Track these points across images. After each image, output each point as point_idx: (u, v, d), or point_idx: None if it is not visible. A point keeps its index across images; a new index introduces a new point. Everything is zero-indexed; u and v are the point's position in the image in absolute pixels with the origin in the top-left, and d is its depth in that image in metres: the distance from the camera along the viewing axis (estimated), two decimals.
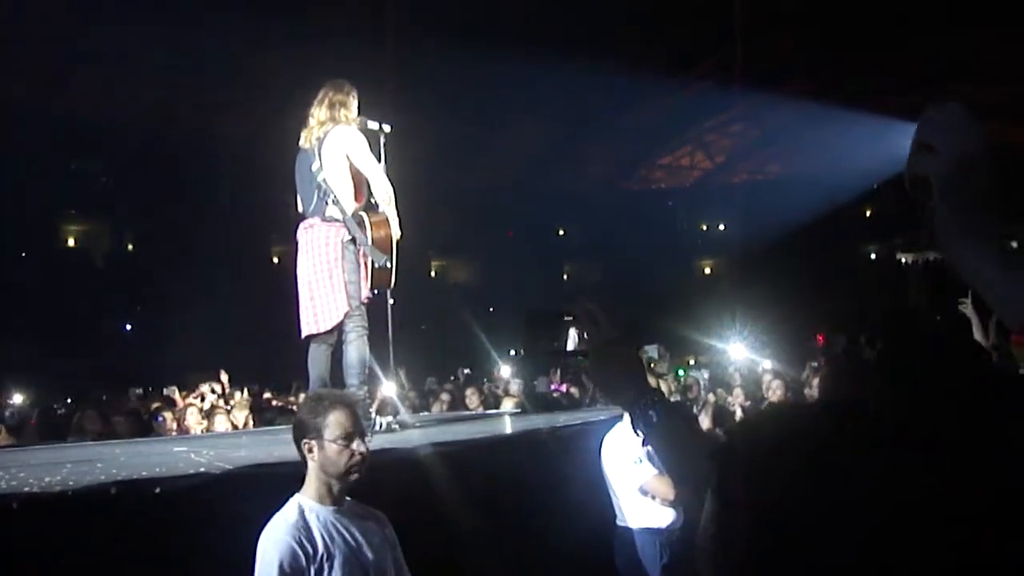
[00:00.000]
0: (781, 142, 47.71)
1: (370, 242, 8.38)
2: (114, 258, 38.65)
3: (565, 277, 49.57)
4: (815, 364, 14.09)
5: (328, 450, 4.49)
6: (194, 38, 25.86)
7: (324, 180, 8.34)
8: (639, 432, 2.37)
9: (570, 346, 2.51)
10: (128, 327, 34.83)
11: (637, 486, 7.88)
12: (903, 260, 48.68)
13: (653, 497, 7.87)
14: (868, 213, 49.53)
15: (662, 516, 7.98)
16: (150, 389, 19.02)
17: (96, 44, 26.21)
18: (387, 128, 8.81)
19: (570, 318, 2.50)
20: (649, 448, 2.41)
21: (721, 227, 52.56)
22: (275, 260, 38.97)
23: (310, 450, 4.48)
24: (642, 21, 31.67)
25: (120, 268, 36.80)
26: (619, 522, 8.22)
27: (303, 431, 4.51)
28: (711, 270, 52.69)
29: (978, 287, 1.99)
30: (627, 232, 42.38)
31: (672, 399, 9.31)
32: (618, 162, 47.70)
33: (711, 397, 13.58)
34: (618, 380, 2.45)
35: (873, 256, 49.60)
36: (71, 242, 39.50)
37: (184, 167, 32.84)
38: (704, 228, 52.90)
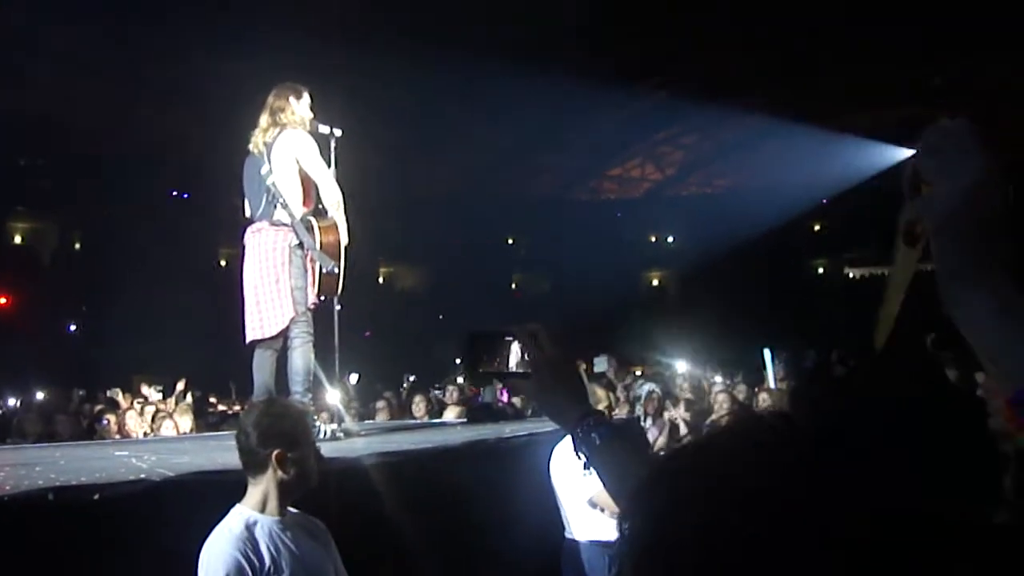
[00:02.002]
0: (731, 156, 47.94)
1: (318, 247, 8.30)
2: (61, 257, 38.38)
3: (514, 286, 49.57)
4: (772, 380, 14.11)
5: (304, 461, 4.42)
6: (145, 37, 25.73)
7: (273, 184, 8.27)
8: (581, 455, 2.33)
9: (511, 366, 2.45)
10: (72, 327, 34.59)
11: (586, 498, 7.80)
12: (851, 275, 49.07)
13: (602, 510, 7.83)
14: (816, 228, 49.83)
15: (611, 529, 7.89)
16: (90, 392, 18.81)
17: (46, 40, 26.03)
18: (337, 133, 8.75)
19: (511, 338, 2.44)
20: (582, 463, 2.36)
21: (670, 239, 52.68)
22: (222, 263, 38.80)
23: (280, 460, 4.36)
24: (596, 31, 31.72)
25: (67, 267, 36.54)
26: (567, 534, 8.16)
27: (268, 439, 4.39)
28: (659, 282, 52.81)
29: (971, 337, 1.86)
30: (576, 243, 42.36)
31: (623, 413, 9.28)
32: (568, 172, 47.78)
33: (667, 415, 13.54)
34: (560, 402, 2.41)
35: (821, 271, 49.94)
36: (18, 239, 39.17)
37: (134, 167, 32.64)
38: (652, 240, 52.98)
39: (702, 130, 44.76)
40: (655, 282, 52.93)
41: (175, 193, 37.29)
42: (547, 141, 41.38)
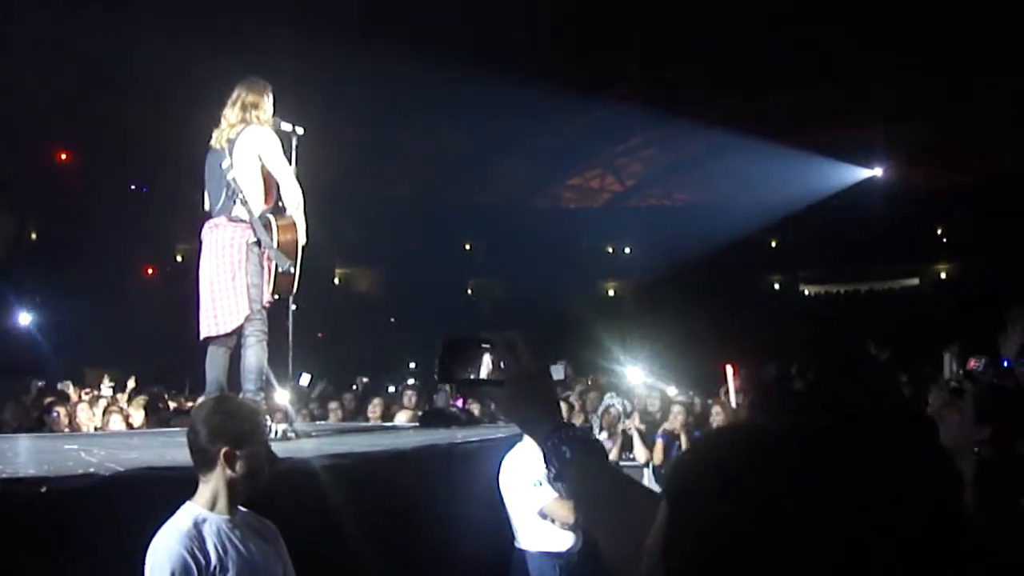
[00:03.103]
0: (691, 170, 48.12)
1: (275, 245, 8.24)
2: (16, 247, 38.08)
3: (469, 292, 49.53)
4: (730, 394, 14.09)
5: (254, 459, 4.37)
6: (107, 26, 25.57)
7: (233, 179, 8.20)
8: (552, 467, 2.31)
9: (483, 374, 2.42)
10: (25, 319, 34.33)
11: (536, 509, 7.79)
12: (806, 292, 49.33)
13: (553, 520, 7.80)
14: (773, 244, 50.05)
15: (561, 539, 7.91)
16: (43, 383, 18.65)
17: (5, 28, 25.85)
18: (300, 131, 8.69)
19: (487, 346, 2.41)
20: (551, 475, 2.35)
21: (627, 250, 52.76)
22: (179, 258, 38.63)
23: (228, 458, 4.31)
24: (561, 40, 31.78)
25: (22, 257, 36.25)
26: (517, 544, 8.14)
27: (219, 437, 4.33)
28: (615, 292, 52.86)
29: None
30: (533, 250, 42.38)
31: (577, 422, 9.27)
32: (528, 179, 47.83)
33: (629, 423, 13.51)
34: (532, 413, 2.39)
35: (777, 287, 50.15)
36: None
37: (91, 159, 32.47)
38: (610, 250, 53.05)
39: (662, 143, 44.94)
40: (611, 292, 52.98)
41: (134, 186, 37.08)
42: (508, 147, 41.41)
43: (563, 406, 8.24)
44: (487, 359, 2.40)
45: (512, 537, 8.13)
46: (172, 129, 22.62)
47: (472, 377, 2.45)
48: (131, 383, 16.10)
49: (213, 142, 8.48)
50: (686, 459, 1.54)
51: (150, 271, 38.25)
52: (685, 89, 35.38)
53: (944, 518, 1.39)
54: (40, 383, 18.54)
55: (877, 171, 45.07)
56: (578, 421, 14.14)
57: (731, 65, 33.96)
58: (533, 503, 7.79)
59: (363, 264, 46.65)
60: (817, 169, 41.77)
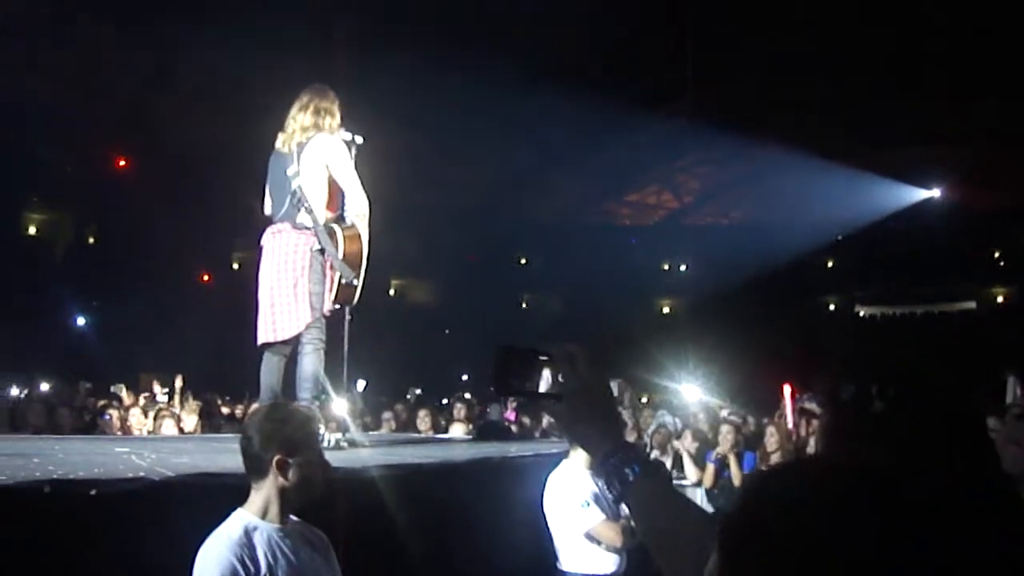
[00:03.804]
0: (748, 187, 47.95)
1: (341, 256, 8.18)
2: (74, 250, 38.35)
3: (524, 306, 49.52)
4: (786, 416, 13.97)
5: (306, 468, 4.32)
6: (169, 32, 25.76)
7: (300, 187, 8.14)
8: (613, 488, 2.24)
9: (542, 388, 2.35)
10: (81, 321, 34.55)
11: (583, 531, 7.61)
12: (862, 313, 49.04)
13: (599, 543, 7.68)
14: (829, 264, 49.81)
15: (605, 562, 7.73)
16: (96, 387, 18.71)
17: (71, 34, 26.07)
18: (359, 140, 8.62)
19: (545, 358, 2.34)
20: (605, 495, 2.28)
21: (682, 267, 52.68)
22: (235, 265, 38.81)
23: (281, 466, 4.26)
24: (621, 56, 31.75)
25: (80, 261, 36.51)
26: (559, 566, 7.93)
27: (271, 445, 4.28)
28: (669, 309, 52.76)
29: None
30: (588, 265, 42.35)
31: (631, 439, 9.19)
32: (584, 195, 47.79)
33: (679, 443, 13.42)
34: (593, 431, 2.32)
35: (832, 307, 49.90)
36: (32, 231, 39.17)
37: (151, 163, 32.68)
38: (665, 267, 52.97)
39: (720, 160, 44.79)
40: (666, 309, 52.89)
41: (194, 193, 37.33)
42: (565, 162, 41.38)
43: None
44: (547, 373, 2.33)
45: (555, 559, 8.00)
46: (231, 136, 22.74)
47: (530, 390, 2.39)
48: (178, 382, 16.06)
49: (280, 145, 8.44)
50: (745, 503, 1.46)
51: (206, 277, 38.43)
52: (743, 106, 35.27)
53: (1007, 552, 1.34)
54: (88, 385, 18.63)
55: (935, 192, 44.77)
56: (632, 438, 14.07)
57: (789, 83, 33.85)
58: (580, 525, 7.60)
59: (418, 276, 46.70)
60: (874, 189, 41.55)
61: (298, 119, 8.38)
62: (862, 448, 2.31)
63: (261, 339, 8.20)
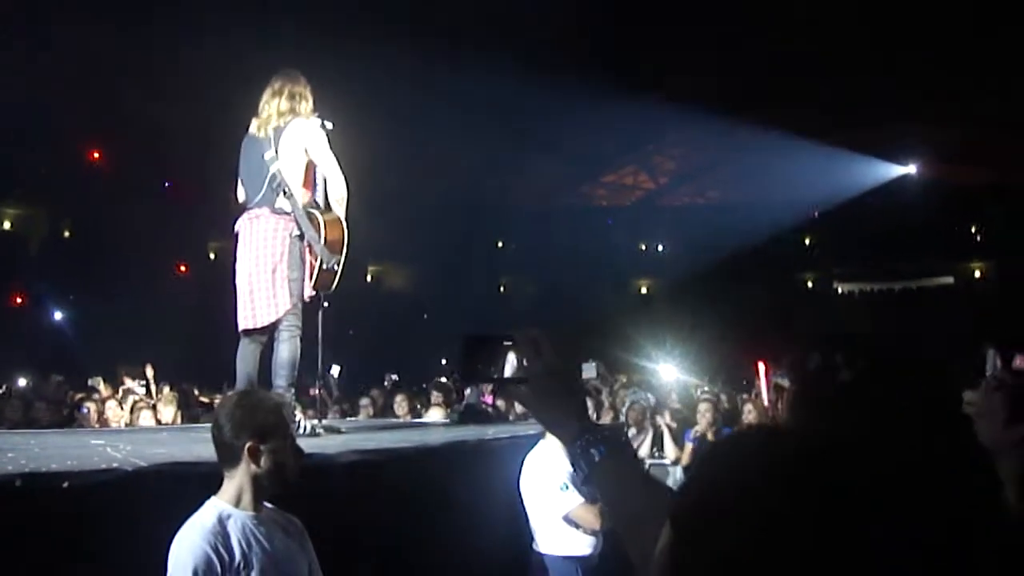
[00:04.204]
0: (724, 167, 47.99)
1: (323, 241, 8.18)
2: (50, 245, 38.24)
3: (502, 289, 49.50)
4: (761, 392, 14.02)
5: (279, 454, 4.32)
6: (140, 25, 25.67)
7: (279, 171, 8.12)
8: (580, 470, 2.25)
9: (508, 372, 2.36)
10: (59, 315, 34.46)
11: (561, 514, 7.64)
12: (840, 290, 49.16)
13: (578, 526, 7.69)
14: (807, 242, 49.90)
15: (582, 543, 7.77)
16: (74, 380, 18.67)
17: (41, 28, 25.97)
18: (329, 126, 8.57)
19: (510, 343, 2.35)
20: (580, 478, 2.28)
21: (660, 248, 52.69)
22: (211, 256, 38.73)
23: (252, 452, 4.26)
24: (594, 38, 31.74)
25: (56, 255, 36.41)
26: (535, 547, 7.98)
27: (242, 432, 4.28)
28: (647, 290, 52.76)
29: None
30: (566, 248, 42.36)
31: (608, 419, 9.21)
32: (561, 177, 47.75)
33: (660, 420, 13.43)
34: (558, 414, 2.33)
35: (810, 285, 50.00)
36: (7, 225, 39.03)
37: (125, 156, 32.59)
38: (643, 248, 52.96)
39: (696, 141, 44.80)
40: (643, 290, 52.88)
41: (168, 184, 37.21)
42: (541, 145, 41.32)
43: (596, 403, 8.16)
44: (512, 357, 2.35)
45: (530, 539, 8.02)
46: (205, 127, 22.68)
47: (495, 375, 2.40)
48: (149, 371, 16.02)
49: (254, 130, 8.41)
50: (692, 476, 1.48)
51: (183, 268, 38.36)
52: (718, 86, 35.28)
53: (980, 523, 1.34)
54: (60, 378, 18.59)
55: (911, 168, 44.85)
56: (610, 419, 14.11)
57: (764, 62, 33.86)
58: (559, 507, 7.63)
59: (395, 261, 46.61)
60: (851, 166, 41.59)
61: (272, 104, 8.35)
62: (827, 418, 2.32)
63: (241, 326, 8.17)
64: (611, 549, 7.58)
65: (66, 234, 39.15)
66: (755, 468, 1.35)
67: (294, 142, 8.22)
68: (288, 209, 8.13)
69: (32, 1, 24.39)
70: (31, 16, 25.15)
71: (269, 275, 8.05)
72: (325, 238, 8.20)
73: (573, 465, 2.28)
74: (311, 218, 8.21)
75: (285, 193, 8.12)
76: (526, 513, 7.92)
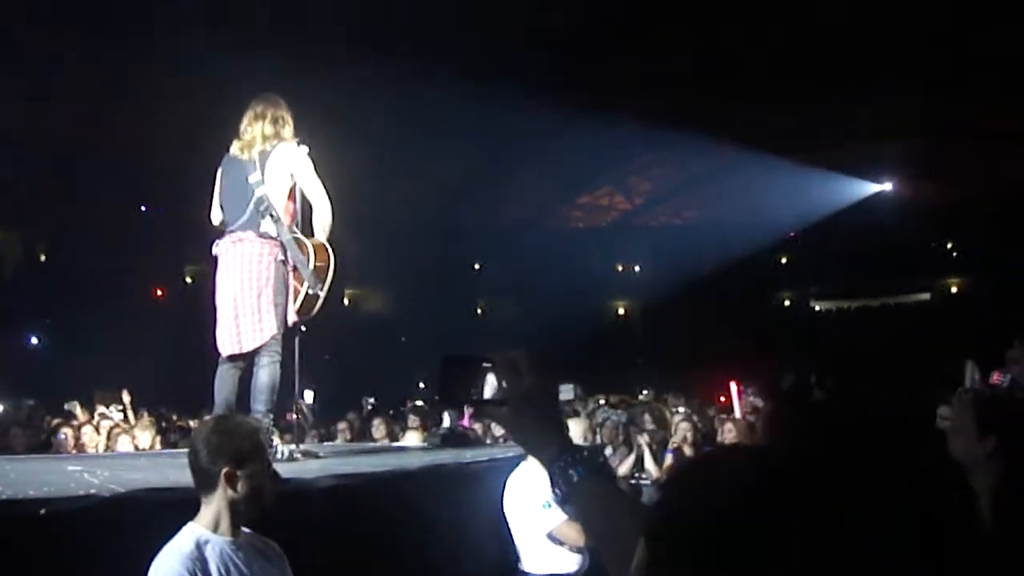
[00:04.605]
0: (700, 187, 48.13)
1: (311, 267, 8.17)
2: (25, 268, 38.14)
3: (479, 312, 49.52)
4: (739, 411, 14.06)
5: (255, 479, 4.31)
6: (116, 49, 25.67)
7: (265, 195, 8.08)
8: (559, 491, 2.26)
9: (487, 394, 2.36)
10: (34, 340, 34.37)
11: (545, 532, 7.60)
12: (817, 308, 49.30)
13: (562, 543, 7.68)
14: (783, 261, 50.05)
15: (568, 562, 7.73)
16: (50, 405, 18.57)
17: (15, 48, 25.92)
18: (304, 149, 8.58)
19: (489, 364, 2.36)
20: (558, 498, 2.29)
21: (637, 269, 52.77)
22: (188, 280, 38.69)
23: (229, 478, 4.24)
24: (568, 59, 31.80)
25: (31, 278, 36.31)
26: (521, 567, 7.92)
27: (219, 457, 4.26)
28: (625, 311, 52.82)
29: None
30: (543, 270, 42.37)
31: (585, 442, 9.21)
32: (537, 199, 47.82)
33: (640, 439, 13.44)
34: (538, 435, 2.34)
35: (787, 303, 50.14)
36: None
37: (101, 180, 32.52)
38: (620, 269, 53.05)
39: (672, 161, 44.95)
40: (621, 311, 52.94)
41: (144, 208, 37.16)
42: (516, 167, 41.40)
43: (576, 426, 8.15)
44: (491, 379, 2.35)
45: (516, 560, 8.00)
46: (181, 150, 22.65)
47: (474, 397, 2.40)
48: (126, 397, 15.98)
49: (237, 152, 8.34)
50: (663, 494, 1.49)
51: (159, 292, 38.30)
52: (692, 106, 35.38)
53: (953, 536, 1.35)
54: (31, 402, 18.50)
55: (886, 186, 45.05)
56: (588, 439, 14.12)
57: (738, 82, 33.98)
58: (542, 526, 7.58)
59: (373, 284, 46.60)
60: (826, 184, 41.76)
61: (256, 127, 8.31)
62: (801, 437, 2.35)
63: (225, 351, 8.09)
64: (597, 567, 7.56)
65: (42, 257, 39.08)
66: (725, 486, 1.37)
67: (281, 166, 8.21)
68: (273, 233, 8.09)
69: (8, 24, 24.30)
70: (5, 38, 25.09)
71: (255, 299, 8.00)
72: (314, 263, 8.18)
73: (552, 485, 2.28)
74: (299, 243, 8.19)
75: (272, 217, 8.08)
76: (511, 534, 7.90)
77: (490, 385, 2.35)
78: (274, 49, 25.10)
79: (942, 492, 2.01)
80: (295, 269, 8.21)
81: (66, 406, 16.49)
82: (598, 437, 14.28)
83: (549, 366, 2.38)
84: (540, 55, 30.58)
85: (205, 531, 4.23)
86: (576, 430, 9.04)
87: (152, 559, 4.09)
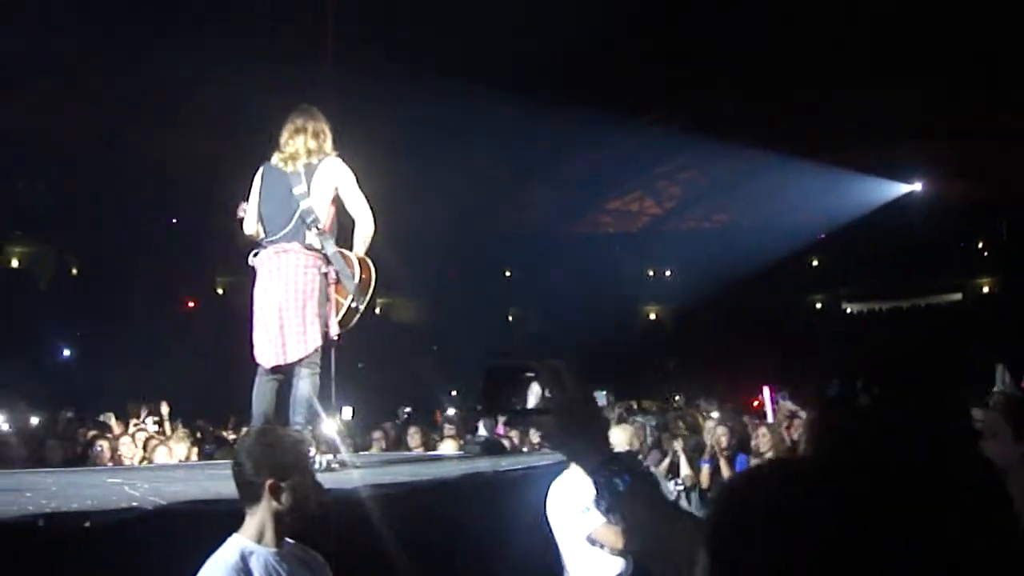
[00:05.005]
0: (730, 191, 48.05)
1: (357, 280, 8.18)
2: (58, 282, 38.31)
3: (510, 319, 49.53)
4: (771, 417, 14.00)
5: (299, 491, 4.32)
6: (146, 62, 25.77)
7: (311, 207, 8.05)
8: (603, 500, 2.27)
9: (531, 403, 2.36)
10: (68, 352, 34.49)
11: (584, 535, 7.58)
12: (849, 310, 49.08)
13: (602, 546, 7.66)
14: (814, 263, 49.90)
15: (611, 567, 7.70)
16: (85, 418, 18.62)
17: (46, 62, 26.05)
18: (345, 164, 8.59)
19: (531, 374, 2.36)
20: (603, 507, 2.29)
21: (667, 273, 52.73)
22: (219, 291, 38.82)
23: (273, 490, 4.26)
24: (596, 66, 31.79)
25: (64, 292, 36.46)
26: (566, 575, 7.92)
27: (262, 469, 4.28)
28: (656, 316, 52.78)
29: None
30: (574, 276, 42.37)
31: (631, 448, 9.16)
32: (567, 205, 47.82)
33: (676, 444, 13.37)
34: (582, 444, 2.35)
35: (819, 306, 49.95)
36: (15, 263, 39.16)
37: (133, 193, 32.63)
38: (651, 274, 53.02)
39: (701, 165, 44.88)
40: (652, 316, 52.92)
41: (175, 220, 37.31)
42: (546, 174, 41.43)
43: (623, 433, 8.10)
44: (535, 388, 2.35)
45: (561, 570, 7.95)
46: (211, 162, 22.75)
47: (519, 407, 2.40)
48: (164, 409, 16.03)
49: (279, 163, 8.29)
50: (726, 505, 1.49)
51: (191, 304, 38.42)
52: (722, 110, 35.34)
53: (990, 541, 1.36)
54: (69, 414, 18.55)
55: (916, 186, 44.88)
56: (635, 447, 14.10)
57: (767, 85, 33.91)
58: (581, 529, 7.56)
59: (403, 294, 46.62)
60: (855, 186, 41.66)
61: (298, 140, 8.26)
62: (847, 444, 2.33)
63: (269, 363, 8.03)
64: (641, 572, 7.54)
65: (74, 271, 39.26)
66: (782, 495, 1.37)
67: (327, 180, 8.19)
68: (318, 245, 8.07)
69: (39, 39, 24.43)
70: (34, 53, 25.22)
71: (300, 311, 7.96)
72: (360, 277, 8.20)
73: (597, 494, 2.30)
74: (344, 256, 8.19)
75: (318, 230, 8.06)
76: (554, 541, 7.89)
77: (534, 394, 2.35)
78: (306, 60, 25.18)
79: (985, 497, 2.00)
80: (337, 282, 8.19)
81: (101, 417, 16.53)
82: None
83: (585, 374, 2.39)
84: (569, 62, 30.57)
85: (249, 542, 4.24)
86: (622, 437, 9.03)
87: (197, 570, 4.09)
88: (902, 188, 44.75)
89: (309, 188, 8.14)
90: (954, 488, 1.43)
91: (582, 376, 2.34)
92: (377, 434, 16.32)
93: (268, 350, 8.03)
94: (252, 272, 8.24)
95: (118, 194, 32.21)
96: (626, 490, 2.23)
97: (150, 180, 32.10)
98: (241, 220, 8.47)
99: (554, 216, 48.11)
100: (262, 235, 8.31)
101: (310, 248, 8.07)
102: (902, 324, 43.88)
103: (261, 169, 8.45)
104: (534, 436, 14.76)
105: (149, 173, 31.74)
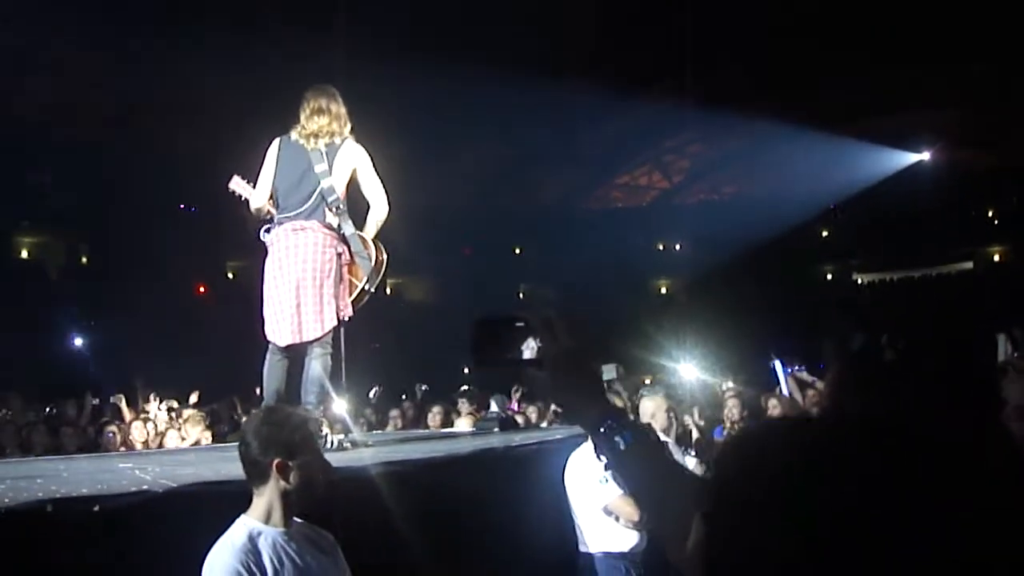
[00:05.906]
0: (738, 163, 47.98)
1: (373, 263, 8.19)
2: (68, 271, 38.34)
3: (521, 296, 49.48)
4: (785, 389, 13.98)
5: (307, 470, 4.31)
6: (151, 49, 25.76)
7: (331, 187, 8.00)
8: (602, 458, 2.23)
9: (526, 355, 2.33)
10: (78, 341, 34.51)
11: (601, 506, 7.59)
12: (859, 280, 49.00)
13: (617, 518, 7.65)
14: (824, 234, 49.80)
15: (626, 539, 7.71)
16: (96, 406, 18.62)
17: (54, 54, 26.05)
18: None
19: (523, 324, 2.32)
20: (603, 464, 2.25)
21: (678, 247, 52.67)
22: (229, 275, 38.83)
23: (281, 469, 4.24)
24: (602, 41, 31.73)
25: (74, 281, 36.49)
26: (582, 548, 7.92)
27: (269, 449, 4.26)
28: (667, 290, 52.75)
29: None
30: (583, 251, 42.31)
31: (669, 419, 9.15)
32: (576, 181, 47.80)
33: (686, 419, 13.35)
34: (578, 398, 2.31)
35: (829, 277, 49.88)
36: (25, 254, 39.22)
37: (140, 180, 32.63)
38: (660, 248, 52.95)
39: (709, 138, 44.84)
40: (663, 290, 52.90)
41: (183, 206, 37.32)
42: (554, 150, 41.38)
43: (652, 402, 8.07)
44: (529, 340, 2.32)
45: (577, 541, 7.95)
46: (219, 147, 22.69)
47: (509, 358, 2.37)
48: (194, 398, 16.06)
49: (299, 139, 8.20)
50: (721, 465, 1.45)
51: (201, 289, 38.42)
52: (729, 82, 35.28)
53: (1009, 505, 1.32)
54: (95, 400, 18.59)
55: (925, 155, 44.77)
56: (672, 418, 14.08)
57: (774, 56, 33.84)
58: (598, 500, 7.59)
59: (414, 273, 46.60)
60: (864, 156, 41.60)
61: (318, 120, 8.19)
62: (872, 398, 2.31)
63: (285, 340, 7.97)
64: (655, 545, 7.53)
65: (83, 260, 39.30)
66: (784, 458, 1.33)
67: (347, 162, 8.16)
68: (336, 225, 8.05)
69: (43, 24, 24.41)
70: (43, 45, 25.22)
71: (317, 290, 7.92)
72: (375, 260, 8.20)
73: (596, 451, 2.26)
74: (361, 239, 8.20)
75: (338, 210, 8.05)
76: (571, 513, 7.91)
77: (529, 346, 2.33)
78: (318, 41, 25.15)
79: (1001, 458, 1.99)
80: (352, 263, 8.20)
81: (112, 399, 16.52)
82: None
83: (583, 327, 2.35)
84: (575, 37, 30.53)
85: (257, 523, 4.24)
86: (652, 407, 8.99)
87: (206, 553, 4.09)
88: (911, 157, 44.69)
89: (331, 167, 8.10)
90: (977, 455, 1.40)
91: (580, 328, 2.31)
92: (394, 412, 16.31)
93: (283, 328, 7.97)
94: (264, 249, 8.18)
95: (126, 182, 32.22)
96: (627, 448, 2.19)
97: (157, 167, 32.10)
98: (235, 193, 8.39)
99: (564, 191, 48.09)
100: (273, 211, 8.25)
101: (328, 227, 8.03)
102: (913, 292, 43.77)
103: (278, 143, 8.33)
104: (550, 412, 14.80)
105: (157, 160, 31.74)
